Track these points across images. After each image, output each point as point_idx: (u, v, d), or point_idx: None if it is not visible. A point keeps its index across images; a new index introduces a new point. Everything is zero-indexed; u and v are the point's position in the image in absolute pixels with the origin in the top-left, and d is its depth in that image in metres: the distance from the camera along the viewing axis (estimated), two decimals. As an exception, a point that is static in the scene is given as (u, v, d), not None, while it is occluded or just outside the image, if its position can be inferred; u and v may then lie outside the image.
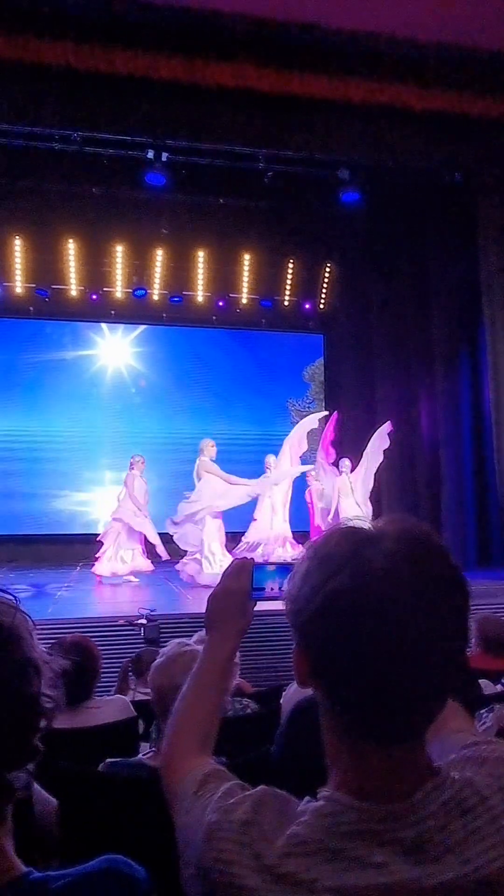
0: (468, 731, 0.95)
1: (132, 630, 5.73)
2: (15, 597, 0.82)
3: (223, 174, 9.10)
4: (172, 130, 7.83)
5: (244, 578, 1.08)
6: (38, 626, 0.85)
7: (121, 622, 5.81)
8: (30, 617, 0.82)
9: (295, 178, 9.23)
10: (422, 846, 0.71)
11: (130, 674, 3.74)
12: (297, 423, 12.49)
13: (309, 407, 12.53)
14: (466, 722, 1.01)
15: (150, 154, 8.29)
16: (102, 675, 2.99)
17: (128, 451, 11.51)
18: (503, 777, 0.76)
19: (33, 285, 10.95)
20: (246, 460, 11.86)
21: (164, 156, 8.32)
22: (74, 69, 6.54)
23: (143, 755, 1.95)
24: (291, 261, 11.75)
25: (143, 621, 5.72)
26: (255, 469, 11.87)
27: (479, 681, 2.81)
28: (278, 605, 0.86)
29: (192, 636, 2.16)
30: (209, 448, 8.60)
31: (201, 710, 0.99)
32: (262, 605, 1.10)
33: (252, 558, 1.14)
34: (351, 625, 0.72)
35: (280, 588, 1.09)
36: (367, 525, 0.79)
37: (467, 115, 7.25)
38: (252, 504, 9.19)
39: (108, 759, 1.88)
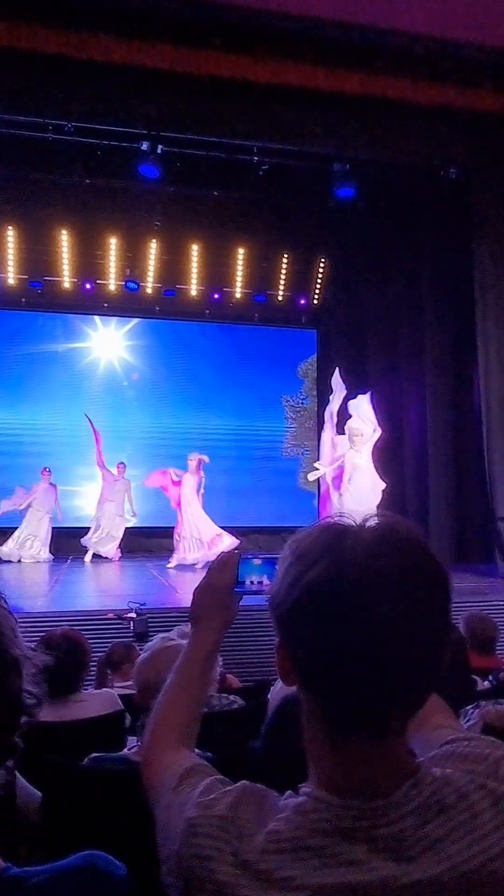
0: (451, 726, 0.95)
1: (121, 624, 5.73)
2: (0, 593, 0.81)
3: (217, 167, 9.06)
4: (166, 121, 7.79)
5: (229, 572, 1.07)
6: (28, 619, 0.84)
7: (110, 616, 5.81)
8: (12, 612, 0.81)
9: (290, 171, 9.21)
10: (401, 843, 0.71)
11: (107, 669, 3.75)
12: (291, 418, 12.56)
13: (303, 403, 12.54)
14: (449, 718, 1.01)
15: (145, 146, 8.23)
16: (92, 669, 2.99)
17: (119, 445, 11.53)
18: (483, 774, 0.76)
19: (25, 276, 10.88)
20: (237, 455, 11.89)
21: (159, 148, 8.27)
22: (69, 58, 6.49)
23: (129, 749, 1.95)
24: (285, 255, 11.73)
25: (133, 615, 5.72)
26: (248, 463, 11.93)
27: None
28: (264, 601, 0.86)
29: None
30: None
31: (183, 704, 0.99)
32: (250, 601, 1.09)
33: (238, 552, 1.14)
34: (327, 616, 0.71)
35: (258, 582, 1.08)
36: (349, 520, 0.78)
37: (464, 110, 7.23)
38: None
39: (93, 754, 1.87)
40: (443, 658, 0.75)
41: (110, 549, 10.06)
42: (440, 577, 0.75)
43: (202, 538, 9.23)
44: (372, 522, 0.77)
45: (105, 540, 10.04)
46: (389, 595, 0.71)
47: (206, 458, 9.67)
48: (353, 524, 0.77)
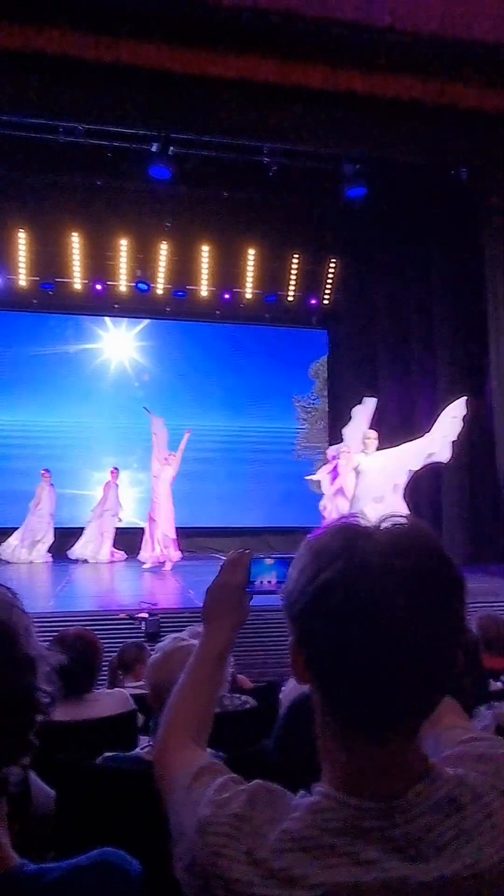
0: (463, 727, 0.95)
1: (133, 624, 5.75)
2: (12, 592, 0.82)
3: (228, 168, 9.08)
4: (176, 123, 7.82)
5: (241, 571, 1.07)
6: (40, 620, 0.85)
7: (122, 616, 5.84)
8: (26, 612, 0.82)
9: (300, 172, 9.21)
10: (414, 843, 0.71)
11: (119, 670, 3.76)
12: (302, 419, 12.55)
13: (314, 403, 12.53)
14: (462, 718, 1.01)
15: (155, 147, 8.27)
16: (105, 669, 3.00)
17: (130, 446, 11.57)
18: (497, 774, 0.76)
19: (37, 278, 10.95)
20: (250, 459, 11.90)
21: (170, 149, 8.29)
22: (79, 60, 6.51)
23: (142, 748, 1.96)
24: (296, 256, 11.72)
25: (145, 615, 5.74)
26: (259, 463, 11.93)
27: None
28: (277, 600, 0.86)
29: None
30: None
31: (196, 704, 0.99)
32: (261, 601, 1.10)
33: (250, 551, 1.14)
34: (342, 616, 0.71)
35: (269, 582, 1.08)
36: (364, 521, 0.79)
37: (474, 109, 7.20)
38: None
39: (106, 753, 1.88)
40: (456, 660, 0.75)
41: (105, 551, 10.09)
42: (454, 579, 0.75)
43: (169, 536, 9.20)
44: (387, 524, 0.77)
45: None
46: (403, 596, 0.71)
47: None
48: (369, 525, 0.77)
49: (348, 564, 0.73)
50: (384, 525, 0.77)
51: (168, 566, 9.14)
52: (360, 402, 10.06)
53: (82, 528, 10.32)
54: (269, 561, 1.13)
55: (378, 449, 8.01)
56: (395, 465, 7.93)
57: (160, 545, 9.17)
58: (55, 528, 10.24)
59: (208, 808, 0.76)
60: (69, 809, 1.65)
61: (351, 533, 0.76)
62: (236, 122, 7.56)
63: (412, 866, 0.70)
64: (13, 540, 9.99)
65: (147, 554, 9.25)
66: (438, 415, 8.81)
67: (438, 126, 7.59)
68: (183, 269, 11.39)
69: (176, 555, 9.27)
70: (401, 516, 0.79)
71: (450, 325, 9.79)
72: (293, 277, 11.83)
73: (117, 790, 1.69)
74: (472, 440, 9.65)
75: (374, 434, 8.23)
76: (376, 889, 0.69)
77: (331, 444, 11.74)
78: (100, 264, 11.07)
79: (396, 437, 9.12)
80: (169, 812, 0.85)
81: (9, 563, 9.78)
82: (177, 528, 9.35)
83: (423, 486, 10.21)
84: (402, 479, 8.06)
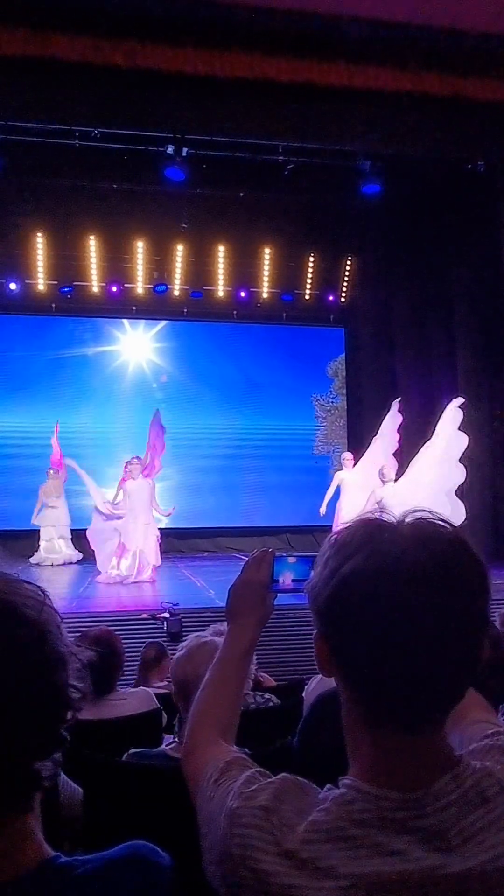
0: (489, 721, 0.95)
1: (155, 624, 5.79)
2: (42, 591, 0.83)
3: (243, 168, 9.08)
4: (191, 124, 7.84)
5: (264, 569, 1.08)
6: (63, 620, 0.87)
7: (144, 616, 5.87)
8: (56, 611, 0.83)
9: (315, 170, 9.19)
10: (441, 834, 0.71)
11: (145, 670, 3.80)
12: (321, 417, 12.51)
13: (333, 402, 12.50)
14: (488, 713, 1.01)
15: (170, 149, 8.30)
16: (126, 669, 3.02)
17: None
18: None
19: (55, 282, 11.04)
20: (270, 458, 11.90)
21: (184, 150, 8.32)
22: (92, 64, 6.55)
23: (167, 745, 1.98)
24: (312, 254, 11.70)
25: (166, 615, 5.77)
26: (278, 462, 11.93)
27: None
28: (300, 599, 0.87)
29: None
30: None
31: (222, 700, 1.00)
32: (284, 600, 1.10)
33: (273, 550, 1.15)
34: (364, 608, 0.72)
35: (292, 580, 1.09)
36: (389, 516, 0.79)
37: (490, 102, 7.13)
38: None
39: (132, 750, 1.90)
40: (480, 654, 0.75)
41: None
42: (478, 573, 0.75)
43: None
44: (411, 518, 0.77)
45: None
46: (426, 589, 0.71)
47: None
48: (392, 520, 0.78)
49: (370, 556, 0.73)
50: (408, 519, 0.77)
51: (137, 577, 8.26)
52: (376, 401, 10.01)
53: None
54: (291, 559, 1.14)
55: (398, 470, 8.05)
56: (433, 488, 7.82)
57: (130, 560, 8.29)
58: (73, 529, 10.16)
59: (236, 800, 0.77)
60: (96, 805, 1.67)
61: (374, 527, 0.77)
62: (250, 121, 7.56)
63: (439, 857, 0.70)
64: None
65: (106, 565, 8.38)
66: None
67: (454, 120, 7.53)
68: (199, 270, 11.42)
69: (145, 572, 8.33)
70: (425, 511, 0.79)
71: (470, 321, 9.71)
72: (310, 276, 11.81)
73: (143, 786, 1.71)
74: (496, 437, 9.58)
75: (390, 464, 8.22)
76: (403, 879, 0.69)
77: (349, 442, 11.73)
78: (117, 267, 11.14)
79: (417, 435, 9.08)
80: (197, 806, 0.86)
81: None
82: (193, 529, 8.86)
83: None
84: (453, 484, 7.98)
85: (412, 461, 8.19)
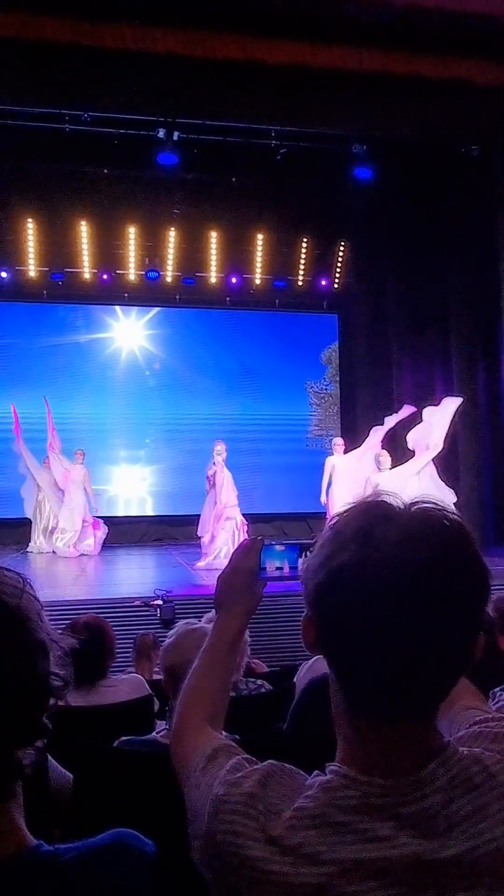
0: (479, 707, 0.95)
1: (148, 611, 5.79)
2: (23, 578, 0.82)
3: (235, 152, 8.99)
4: (182, 107, 7.75)
5: (252, 558, 1.08)
6: (56, 607, 0.85)
7: (137, 603, 5.88)
8: (37, 598, 0.82)
9: (308, 154, 9.10)
10: (428, 821, 0.71)
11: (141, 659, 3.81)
12: (315, 404, 12.50)
13: (326, 389, 12.49)
14: (478, 699, 1.01)
15: (162, 133, 8.21)
16: (118, 656, 3.02)
17: (142, 434, 11.60)
18: None
19: (46, 269, 10.95)
20: (263, 445, 11.89)
21: (176, 135, 8.23)
22: (82, 47, 6.47)
23: (157, 732, 1.98)
24: (305, 240, 11.64)
25: (159, 602, 5.78)
26: (272, 449, 11.93)
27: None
28: (290, 586, 0.87)
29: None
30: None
31: (210, 687, 1.00)
32: (276, 587, 1.10)
33: (261, 538, 1.14)
34: (354, 600, 0.71)
35: (280, 568, 1.09)
36: (391, 501, 0.77)
37: (483, 85, 7.09)
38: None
39: (123, 737, 1.90)
40: (472, 652, 0.74)
41: (68, 542, 9.32)
42: (475, 568, 0.74)
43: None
44: (409, 507, 0.76)
45: (65, 535, 9.35)
46: (417, 585, 0.70)
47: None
48: (393, 507, 0.76)
49: (360, 550, 0.72)
50: (407, 508, 0.75)
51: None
52: (369, 387, 10.02)
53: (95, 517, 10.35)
54: (279, 547, 1.13)
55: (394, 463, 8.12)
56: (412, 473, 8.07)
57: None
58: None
59: (222, 787, 0.77)
60: (86, 792, 1.67)
61: (371, 516, 0.75)
62: (242, 104, 7.49)
63: (426, 843, 0.70)
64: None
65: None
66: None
67: (448, 103, 7.48)
68: (192, 257, 11.34)
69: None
70: (431, 502, 0.76)
71: (464, 307, 9.68)
72: (303, 262, 11.75)
73: (134, 773, 1.71)
74: (495, 420, 9.57)
75: (385, 453, 8.40)
76: (389, 865, 0.69)
77: (342, 429, 11.72)
78: (109, 253, 11.05)
79: (410, 424, 9.08)
80: (185, 793, 0.86)
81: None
82: (186, 517, 9.29)
83: (448, 464, 10.16)
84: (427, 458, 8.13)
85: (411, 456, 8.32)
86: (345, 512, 0.78)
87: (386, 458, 8.30)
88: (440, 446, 8.29)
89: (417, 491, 7.66)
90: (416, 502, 0.76)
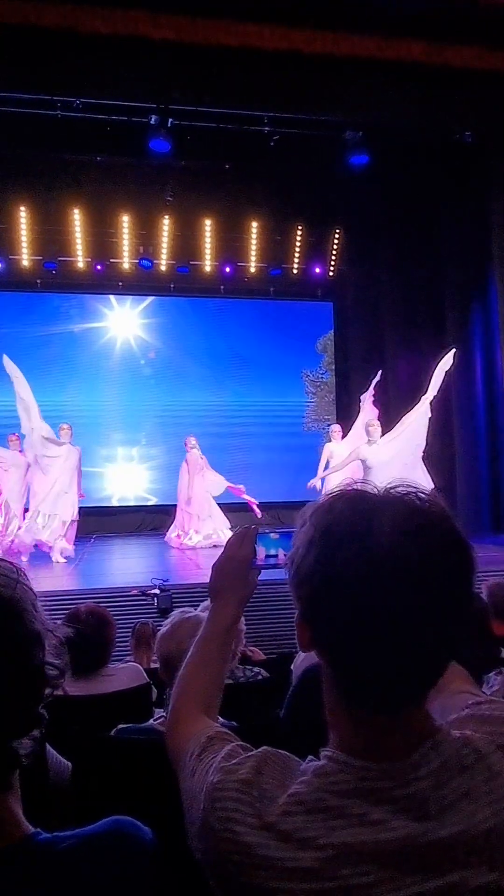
0: (470, 691, 0.96)
1: (146, 600, 5.81)
2: (17, 568, 0.82)
3: (228, 139, 8.92)
4: (175, 93, 7.68)
5: (246, 547, 1.08)
6: (53, 597, 0.85)
7: (134, 592, 5.89)
8: (31, 588, 0.82)
9: (302, 141, 9.04)
10: (421, 804, 0.72)
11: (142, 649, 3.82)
12: (311, 392, 12.50)
13: (323, 377, 12.47)
14: (470, 684, 1.01)
15: (154, 120, 8.13)
16: (116, 644, 3.03)
17: (138, 424, 11.58)
18: (502, 734, 0.77)
19: (40, 258, 10.88)
20: (259, 433, 11.89)
21: (169, 121, 8.15)
22: (74, 32, 6.40)
23: (155, 720, 1.99)
24: (300, 227, 11.58)
25: (157, 591, 5.80)
26: (268, 437, 11.93)
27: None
28: (284, 574, 0.86)
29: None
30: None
31: (205, 676, 1.00)
32: (272, 575, 1.10)
33: (255, 527, 1.14)
34: (354, 603, 0.72)
35: (275, 556, 1.09)
36: (371, 490, 0.77)
37: (477, 71, 7.04)
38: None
39: (120, 725, 1.91)
40: (461, 636, 0.75)
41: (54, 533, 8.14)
42: (465, 559, 0.74)
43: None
44: (394, 498, 0.75)
45: (50, 525, 8.17)
46: (415, 583, 0.71)
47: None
48: (376, 498, 0.76)
49: (360, 553, 0.72)
50: (393, 498, 0.75)
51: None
52: (364, 373, 10.00)
53: (90, 507, 10.37)
54: (274, 535, 1.13)
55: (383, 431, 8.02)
56: (405, 450, 7.93)
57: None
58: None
59: (217, 774, 0.78)
60: (85, 780, 1.68)
61: (360, 509, 0.75)
62: (236, 91, 7.43)
63: (419, 826, 0.71)
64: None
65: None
66: (446, 386, 8.79)
67: (441, 89, 7.44)
68: (186, 245, 11.28)
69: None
70: (413, 488, 0.77)
71: (458, 293, 9.66)
72: (297, 249, 11.70)
73: (131, 760, 1.72)
74: (490, 407, 9.59)
75: (376, 422, 8.16)
76: (383, 849, 0.70)
77: (339, 417, 11.72)
78: (102, 242, 10.97)
79: (405, 408, 9.07)
80: (180, 781, 0.86)
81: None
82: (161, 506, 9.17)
83: (435, 455, 10.19)
84: (418, 455, 8.08)
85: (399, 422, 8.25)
86: (325, 504, 0.77)
87: (376, 429, 7.96)
88: (434, 392, 8.21)
89: (405, 463, 7.76)
90: (396, 486, 0.76)
